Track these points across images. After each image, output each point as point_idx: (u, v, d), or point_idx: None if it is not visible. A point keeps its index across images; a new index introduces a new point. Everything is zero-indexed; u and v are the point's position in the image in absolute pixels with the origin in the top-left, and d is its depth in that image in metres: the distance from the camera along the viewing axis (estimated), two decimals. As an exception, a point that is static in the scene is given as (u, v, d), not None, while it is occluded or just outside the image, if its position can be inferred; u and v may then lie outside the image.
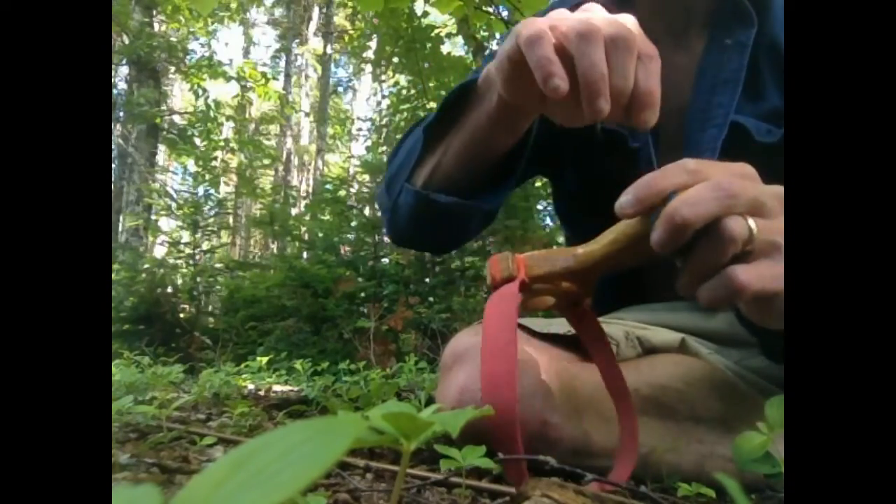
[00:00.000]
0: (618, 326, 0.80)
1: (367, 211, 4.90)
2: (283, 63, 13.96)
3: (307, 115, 13.46)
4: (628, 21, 0.55)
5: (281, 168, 13.00)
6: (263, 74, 9.60)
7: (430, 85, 5.05)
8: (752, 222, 0.45)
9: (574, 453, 0.67)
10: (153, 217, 7.73)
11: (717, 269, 0.45)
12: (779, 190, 0.48)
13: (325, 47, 12.68)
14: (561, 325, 0.77)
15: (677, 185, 0.47)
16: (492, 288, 0.53)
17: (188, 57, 8.85)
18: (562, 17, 0.55)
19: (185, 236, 6.25)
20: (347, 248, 4.71)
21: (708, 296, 0.47)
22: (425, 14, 4.96)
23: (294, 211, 8.09)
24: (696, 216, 0.44)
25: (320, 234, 4.99)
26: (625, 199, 0.48)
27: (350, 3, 6.80)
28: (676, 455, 0.67)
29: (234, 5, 9.70)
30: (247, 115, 11.92)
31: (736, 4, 0.83)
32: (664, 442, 0.68)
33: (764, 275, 0.45)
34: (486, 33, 4.53)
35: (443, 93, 4.98)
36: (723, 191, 0.45)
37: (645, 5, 0.89)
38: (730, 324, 0.86)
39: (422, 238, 0.91)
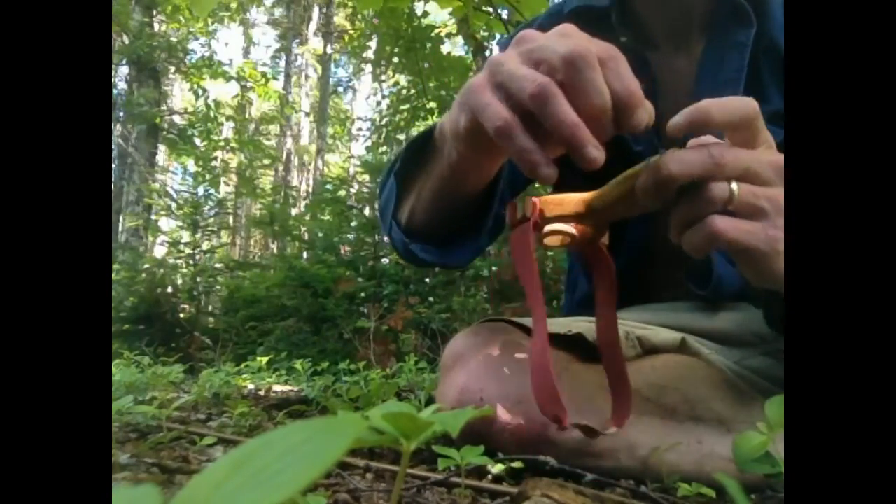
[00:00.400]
0: (619, 326, 0.80)
1: (367, 211, 4.90)
2: (283, 63, 13.96)
3: (307, 115, 13.46)
4: (570, 33, 0.52)
5: (281, 168, 13.00)
6: (263, 74, 9.60)
7: (431, 85, 5.05)
8: (735, 186, 0.49)
9: (575, 453, 0.67)
10: (153, 217, 7.73)
11: (698, 221, 0.50)
12: (778, 159, 0.51)
13: (325, 47, 12.68)
14: (562, 326, 0.77)
15: (730, 121, 0.51)
16: (511, 227, 0.60)
17: (188, 57, 8.84)
18: (507, 73, 0.51)
19: (185, 236, 6.25)
20: (347, 249, 4.71)
21: (688, 242, 0.50)
22: (425, 14, 4.96)
23: (294, 211, 8.09)
24: (679, 173, 0.48)
25: (320, 235, 4.99)
26: (676, 119, 0.50)
27: (350, 3, 6.80)
28: (677, 455, 0.67)
29: (233, 5, 9.69)
30: (247, 115, 11.91)
31: (734, 5, 0.83)
32: (664, 442, 0.68)
33: (741, 227, 0.49)
34: (486, 33, 4.53)
35: (443, 93, 4.98)
36: (713, 158, 0.48)
37: (644, 10, 0.89)
38: (732, 323, 0.86)
39: (423, 265, 0.92)
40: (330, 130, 13.94)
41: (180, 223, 6.48)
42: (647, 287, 0.93)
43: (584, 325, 0.76)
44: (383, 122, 6.51)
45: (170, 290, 4.94)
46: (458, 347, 0.75)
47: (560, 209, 0.58)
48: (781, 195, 0.49)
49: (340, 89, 16.41)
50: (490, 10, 2.90)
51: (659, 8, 0.88)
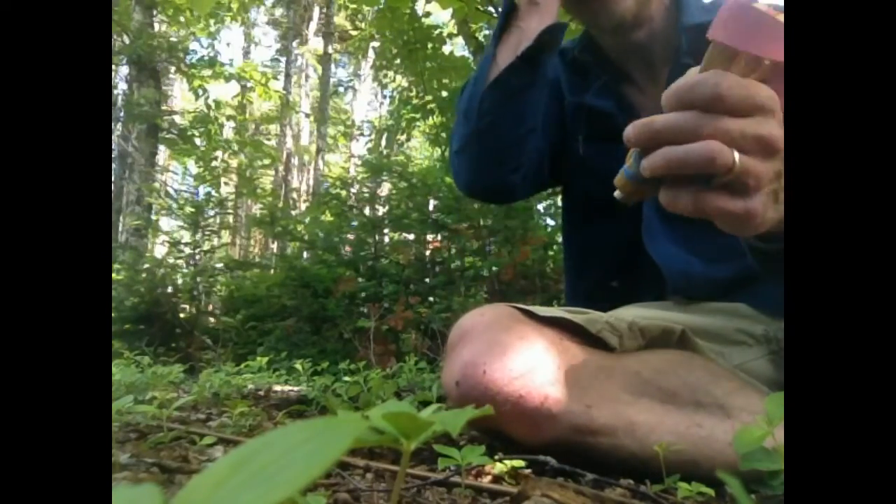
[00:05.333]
0: (621, 318, 0.81)
1: (367, 211, 4.90)
2: (283, 63, 13.95)
3: (307, 115, 13.45)
4: None
5: (281, 168, 12.99)
6: (264, 74, 9.60)
7: (434, 86, 5.04)
8: (737, 157, 0.49)
9: (576, 430, 0.67)
10: (153, 217, 7.73)
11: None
12: (765, 132, 0.51)
13: (325, 47, 12.67)
14: (563, 312, 0.78)
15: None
16: None
17: (188, 57, 8.83)
18: None
19: (186, 236, 6.24)
20: (349, 249, 4.71)
21: (673, 202, 0.52)
22: (427, 14, 4.96)
23: (294, 211, 8.09)
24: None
25: (320, 235, 4.99)
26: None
27: (351, 4, 6.79)
28: (676, 437, 0.68)
29: (234, 5, 9.67)
30: (247, 115, 11.91)
31: (689, 35, 0.90)
32: (664, 423, 0.69)
33: (724, 206, 0.50)
34: (488, 32, 4.53)
35: (444, 93, 4.98)
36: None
37: (612, 52, 1.00)
38: (722, 321, 0.88)
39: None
40: (330, 131, 13.92)
41: (181, 223, 6.48)
42: (636, 287, 0.98)
43: (567, 314, 0.78)
44: (384, 125, 6.50)
45: (170, 290, 4.93)
46: (464, 326, 0.77)
47: None
48: (768, 168, 0.50)
49: (340, 89, 16.40)
50: (490, 9, 2.90)
51: (624, 48, 0.98)
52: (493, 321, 0.75)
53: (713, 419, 0.70)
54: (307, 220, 5.84)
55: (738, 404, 0.72)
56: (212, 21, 9.52)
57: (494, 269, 3.66)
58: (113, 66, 8.21)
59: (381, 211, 5.01)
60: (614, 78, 1.00)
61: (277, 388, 1.85)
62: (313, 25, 12.99)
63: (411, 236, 4.60)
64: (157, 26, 8.54)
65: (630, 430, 0.68)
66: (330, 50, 12.60)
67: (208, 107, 8.67)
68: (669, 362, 0.76)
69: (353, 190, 5.23)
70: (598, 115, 0.99)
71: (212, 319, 4.96)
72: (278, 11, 14.59)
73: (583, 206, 1.09)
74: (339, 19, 12.59)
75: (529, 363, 0.69)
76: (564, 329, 0.77)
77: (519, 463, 0.65)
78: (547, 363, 0.70)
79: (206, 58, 9.05)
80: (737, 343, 0.86)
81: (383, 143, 6.57)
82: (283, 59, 14.04)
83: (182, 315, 4.84)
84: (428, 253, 4.41)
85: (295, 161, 13.32)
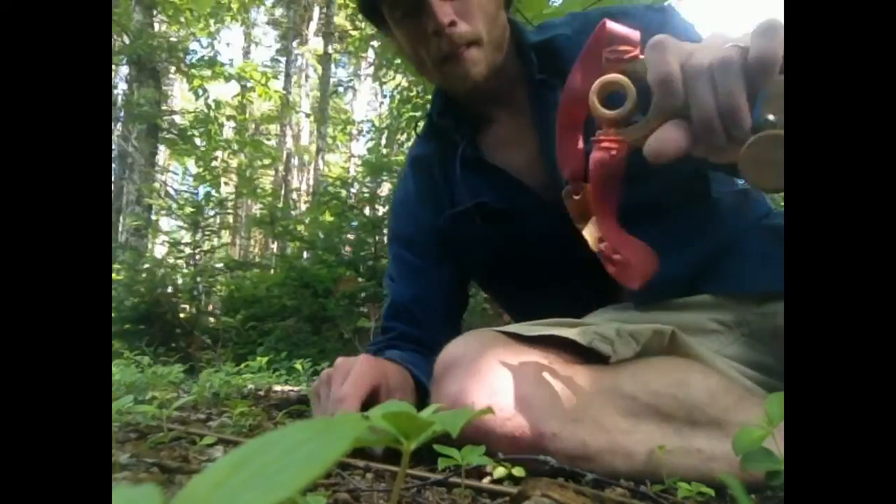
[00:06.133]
0: (608, 325, 0.79)
1: (367, 211, 4.90)
2: (283, 63, 13.96)
3: (307, 115, 13.45)
4: None
5: (281, 168, 12.99)
6: (264, 74, 9.59)
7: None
8: None
9: (570, 459, 0.67)
10: (153, 217, 7.74)
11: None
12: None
13: (325, 47, 12.67)
14: (550, 328, 0.77)
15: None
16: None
17: (188, 57, 8.82)
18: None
19: (186, 236, 6.25)
20: (348, 249, 4.71)
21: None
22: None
23: (294, 211, 8.09)
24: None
25: (320, 235, 4.99)
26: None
27: (351, 4, 6.78)
28: (674, 459, 0.67)
29: (234, 5, 9.66)
30: (247, 115, 11.91)
31: (537, 47, 0.93)
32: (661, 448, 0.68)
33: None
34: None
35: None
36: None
37: (457, 96, 1.00)
38: (694, 315, 0.88)
39: None
40: (330, 130, 13.91)
41: (181, 223, 6.48)
42: (609, 289, 0.95)
43: (555, 328, 0.76)
44: (384, 125, 6.50)
45: (170, 290, 4.93)
46: (447, 358, 0.75)
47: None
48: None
49: (340, 89, 16.39)
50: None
51: (484, 98, 0.98)
52: (477, 352, 0.73)
53: (712, 441, 0.69)
54: (307, 220, 5.84)
55: (736, 421, 0.71)
56: (212, 21, 9.52)
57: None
58: (113, 66, 8.21)
59: (381, 211, 5.01)
60: (473, 132, 1.01)
61: (277, 388, 1.85)
62: (313, 25, 12.99)
63: (411, 236, 4.59)
64: (157, 26, 8.54)
65: (626, 457, 0.68)
66: (330, 50, 12.59)
67: (208, 107, 8.66)
68: (666, 381, 0.74)
69: (353, 190, 5.23)
70: (485, 186, 1.00)
71: (212, 319, 4.96)
72: (278, 11, 14.59)
73: (504, 262, 1.07)
74: (339, 19, 12.58)
75: (520, 399, 0.68)
76: (552, 346, 0.75)
77: (519, 471, 0.65)
78: (538, 396, 0.68)
79: (206, 58, 9.04)
80: (711, 332, 0.86)
81: (383, 142, 6.57)
82: (283, 59, 14.04)
83: (182, 315, 4.84)
84: (428, 253, 4.39)
85: (295, 161, 13.33)
